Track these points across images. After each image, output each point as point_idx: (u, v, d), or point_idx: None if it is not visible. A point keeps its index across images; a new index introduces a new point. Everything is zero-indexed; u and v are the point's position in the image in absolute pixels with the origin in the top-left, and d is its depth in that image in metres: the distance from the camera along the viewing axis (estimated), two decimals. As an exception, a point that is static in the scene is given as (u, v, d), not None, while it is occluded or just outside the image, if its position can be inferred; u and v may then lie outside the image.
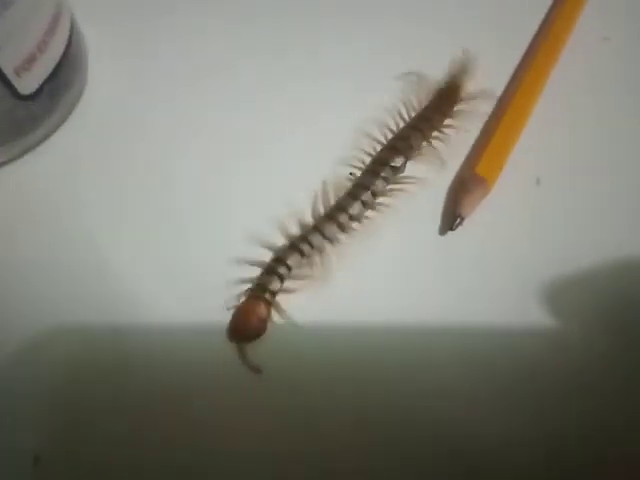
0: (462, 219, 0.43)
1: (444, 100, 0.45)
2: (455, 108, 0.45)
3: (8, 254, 0.41)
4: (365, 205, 0.41)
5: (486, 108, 0.46)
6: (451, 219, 0.43)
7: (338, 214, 0.41)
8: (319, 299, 0.40)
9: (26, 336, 0.38)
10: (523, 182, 0.44)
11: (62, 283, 0.40)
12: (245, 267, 0.40)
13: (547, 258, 0.42)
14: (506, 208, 0.43)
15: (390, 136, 0.44)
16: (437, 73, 0.46)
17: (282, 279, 0.40)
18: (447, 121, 0.45)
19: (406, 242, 0.42)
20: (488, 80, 0.46)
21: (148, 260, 0.41)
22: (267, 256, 0.41)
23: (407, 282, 0.41)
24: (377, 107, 0.45)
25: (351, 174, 0.42)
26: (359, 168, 0.43)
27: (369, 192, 0.41)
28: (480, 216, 0.43)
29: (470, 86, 0.46)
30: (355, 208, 0.41)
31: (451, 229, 0.42)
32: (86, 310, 0.39)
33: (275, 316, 0.40)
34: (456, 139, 0.45)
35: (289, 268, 0.40)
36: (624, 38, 0.50)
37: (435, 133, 0.44)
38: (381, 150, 0.43)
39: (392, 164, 0.42)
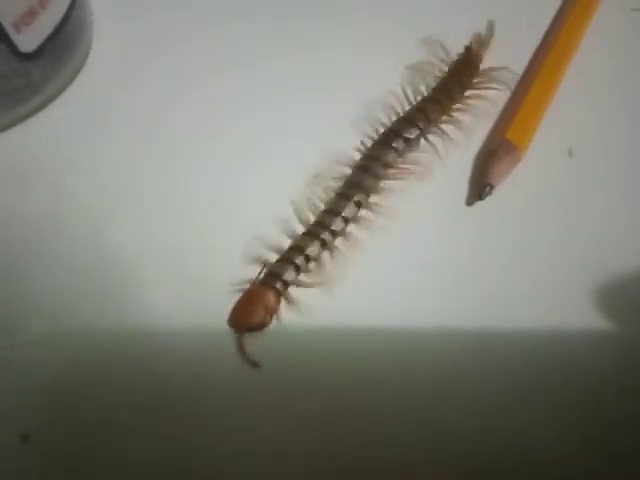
0: (491, 188, 0.40)
1: (462, 71, 0.43)
2: (474, 80, 0.43)
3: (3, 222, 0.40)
4: (377, 178, 0.39)
5: (507, 80, 0.44)
6: (480, 188, 0.40)
7: (352, 192, 0.38)
8: (339, 292, 0.37)
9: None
10: (555, 153, 0.42)
11: (59, 259, 0.39)
12: (260, 254, 0.37)
13: (580, 232, 0.40)
14: (537, 180, 0.41)
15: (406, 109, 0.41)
16: (458, 45, 0.44)
17: (298, 270, 0.36)
18: (467, 93, 0.42)
19: (432, 215, 0.40)
20: (512, 50, 0.45)
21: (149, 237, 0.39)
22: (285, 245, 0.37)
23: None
24: (393, 82, 0.43)
25: (362, 143, 0.40)
26: (371, 138, 0.40)
27: (380, 163, 0.39)
28: (509, 188, 0.41)
29: (490, 58, 0.44)
30: (368, 181, 0.38)
31: (480, 199, 0.40)
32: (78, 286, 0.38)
33: (284, 310, 0.36)
34: (483, 107, 0.43)
35: (308, 259, 0.36)
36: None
37: (456, 105, 0.42)
38: (395, 121, 0.41)
39: (405, 135, 0.39)
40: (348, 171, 0.40)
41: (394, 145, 0.39)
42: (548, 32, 0.47)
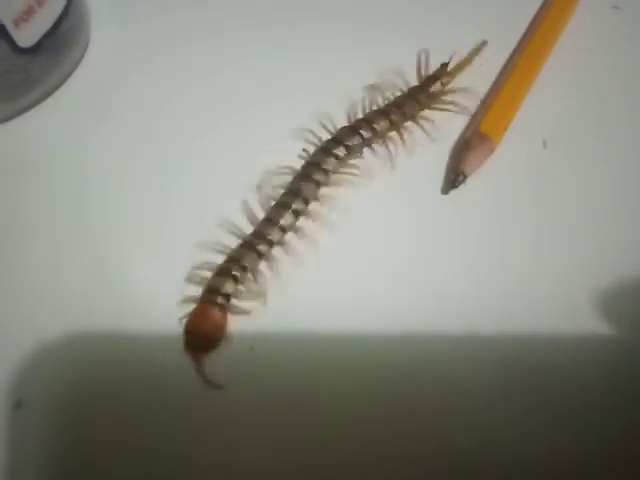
0: (465, 176, 0.42)
1: (422, 91, 0.44)
2: (434, 100, 0.44)
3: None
4: (317, 184, 0.41)
5: (467, 104, 0.45)
6: (453, 176, 0.42)
7: (291, 200, 0.40)
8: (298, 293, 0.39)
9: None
10: (529, 144, 0.44)
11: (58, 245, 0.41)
12: (196, 271, 0.39)
13: (551, 219, 0.42)
14: (512, 169, 0.43)
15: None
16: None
17: (237, 280, 0.37)
18: (423, 112, 0.44)
19: (409, 204, 0.42)
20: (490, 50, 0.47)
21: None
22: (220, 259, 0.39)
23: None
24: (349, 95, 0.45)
25: (304, 150, 0.42)
26: (314, 145, 0.42)
27: (322, 170, 0.41)
28: (484, 178, 0.43)
29: (452, 79, 0.45)
30: (307, 188, 0.40)
31: (454, 187, 0.42)
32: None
33: (233, 321, 0.37)
34: (462, 99, 0.45)
35: (244, 269, 0.38)
36: (633, 7, 0.49)
37: (407, 123, 0.43)
38: (339, 129, 0.43)
39: (347, 143, 0.41)
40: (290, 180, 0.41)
41: (334, 152, 0.41)
42: (527, 29, 0.48)
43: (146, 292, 0.39)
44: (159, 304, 0.38)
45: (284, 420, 0.36)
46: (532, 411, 0.37)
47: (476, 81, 0.46)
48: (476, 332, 0.38)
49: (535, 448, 0.36)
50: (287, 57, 0.47)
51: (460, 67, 0.46)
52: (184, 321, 0.37)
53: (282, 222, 0.39)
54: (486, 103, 0.45)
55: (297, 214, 0.40)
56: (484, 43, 0.47)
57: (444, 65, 0.46)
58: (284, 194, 0.41)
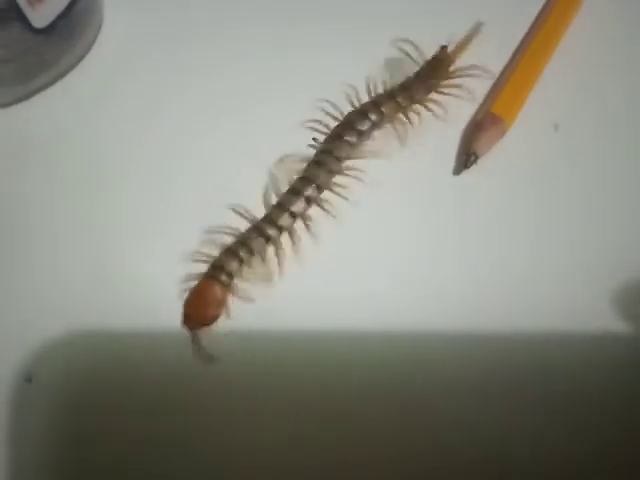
0: (476, 157, 0.42)
1: (430, 74, 0.44)
2: (442, 83, 0.44)
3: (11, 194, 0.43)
4: (331, 172, 0.41)
5: (476, 85, 0.45)
6: (465, 157, 0.42)
7: (304, 187, 0.40)
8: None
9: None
10: (541, 127, 0.44)
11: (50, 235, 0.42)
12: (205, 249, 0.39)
13: (562, 205, 0.42)
14: (523, 153, 0.43)
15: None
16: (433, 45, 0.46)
17: (242, 261, 0.38)
18: (431, 95, 0.44)
19: (419, 185, 0.43)
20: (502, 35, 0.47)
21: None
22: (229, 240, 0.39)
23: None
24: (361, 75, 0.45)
25: (314, 139, 0.43)
26: (324, 133, 0.43)
27: (333, 157, 0.41)
28: (495, 160, 0.43)
29: (463, 61, 0.45)
30: (322, 177, 0.40)
31: (465, 167, 0.42)
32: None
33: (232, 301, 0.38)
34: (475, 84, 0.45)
35: (251, 251, 0.38)
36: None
37: (415, 106, 0.44)
38: (348, 114, 0.43)
39: (358, 127, 0.42)
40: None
41: (347, 139, 0.41)
42: (542, 9, 0.49)
43: (148, 289, 0.39)
44: (161, 301, 0.39)
45: (284, 419, 0.37)
46: (533, 411, 0.37)
47: (488, 63, 0.46)
48: (476, 331, 0.39)
49: (535, 449, 0.37)
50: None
51: (460, 48, 0.46)
52: (185, 294, 0.38)
53: (293, 208, 0.40)
54: (498, 85, 0.46)
55: (309, 201, 0.40)
56: (480, 24, 0.47)
57: (444, 47, 0.46)
58: (297, 180, 0.41)
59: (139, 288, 0.39)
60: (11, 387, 0.38)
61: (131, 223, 0.42)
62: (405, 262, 0.41)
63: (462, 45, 0.46)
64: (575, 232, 0.41)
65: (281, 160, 0.42)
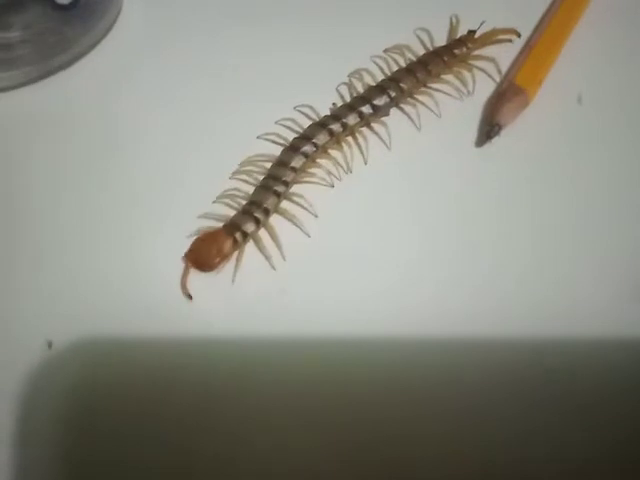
0: (499, 128, 0.42)
1: (450, 51, 0.44)
2: (460, 61, 0.45)
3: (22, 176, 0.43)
4: (332, 133, 0.41)
5: (490, 70, 0.45)
6: (488, 128, 0.42)
7: (302, 144, 0.41)
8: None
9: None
10: (564, 99, 0.44)
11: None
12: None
13: (586, 175, 0.42)
14: (546, 124, 0.43)
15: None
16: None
17: (258, 223, 0.39)
18: (450, 71, 0.44)
19: (443, 157, 0.43)
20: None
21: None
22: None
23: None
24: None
25: (333, 104, 0.43)
26: (343, 101, 0.43)
27: (339, 123, 0.41)
28: (518, 132, 0.43)
29: (477, 47, 0.46)
30: (319, 136, 0.41)
31: (488, 138, 0.42)
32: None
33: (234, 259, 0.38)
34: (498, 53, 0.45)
35: (267, 212, 0.39)
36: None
37: (433, 81, 0.44)
38: (367, 89, 0.43)
39: (374, 102, 0.42)
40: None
41: (360, 109, 0.42)
42: None
43: (157, 294, 0.39)
44: (170, 307, 0.39)
45: (286, 422, 0.36)
46: (534, 412, 0.37)
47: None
48: (477, 332, 0.38)
49: (536, 449, 0.36)
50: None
51: (486, 38, 0.46)
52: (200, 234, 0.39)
53: (293, 164, 0.41)
54: (522, 56, 0.45)
55: (306, 156, 0.41)
56: (514, 32, 0.46)
57: (471, 32, 0.46)
58: (296, 138, 0.42)
59: (146, 292, 0.39)
60: (18, 390, 0.37)
61: (134, 222, 0.42)
62: (431, 238, 0.41)
63: (488, 36, 0.46)
64: (599, 211, 0.41)
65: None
